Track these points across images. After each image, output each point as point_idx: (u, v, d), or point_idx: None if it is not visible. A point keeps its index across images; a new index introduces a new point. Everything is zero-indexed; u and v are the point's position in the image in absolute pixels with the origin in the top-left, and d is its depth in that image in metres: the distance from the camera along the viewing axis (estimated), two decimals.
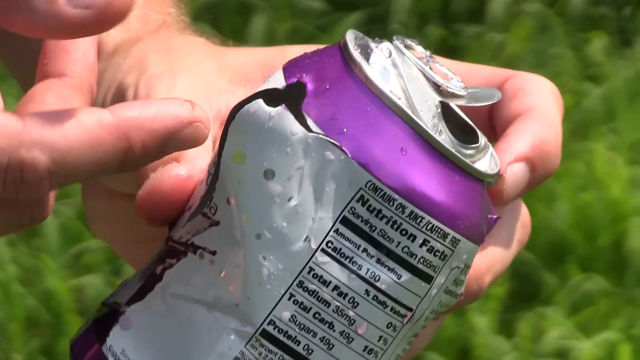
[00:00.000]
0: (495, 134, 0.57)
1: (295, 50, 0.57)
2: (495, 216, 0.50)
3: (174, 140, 0.46)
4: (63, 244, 2.90)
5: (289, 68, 0.49)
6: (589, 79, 3.50)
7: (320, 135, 0.46)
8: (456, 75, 0.51)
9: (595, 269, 3.01)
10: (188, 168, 0.52)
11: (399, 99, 0.46)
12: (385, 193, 0.45)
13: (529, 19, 3.55)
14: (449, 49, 3.33)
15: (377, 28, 3.45)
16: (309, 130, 0.45)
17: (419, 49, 0.50)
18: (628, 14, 3.67)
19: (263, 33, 3.39)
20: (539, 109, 0.56)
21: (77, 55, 0.51)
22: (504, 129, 0.56)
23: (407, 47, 0.49)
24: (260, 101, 0.46)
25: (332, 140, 0.45)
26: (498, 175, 0.50)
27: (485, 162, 0.49)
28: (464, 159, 0.47)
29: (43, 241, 2.90)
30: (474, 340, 2.85)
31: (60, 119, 0.44)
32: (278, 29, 3.46)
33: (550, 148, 0.55)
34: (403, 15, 3.53)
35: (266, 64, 0.60)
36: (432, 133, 0.46)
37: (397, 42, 0.49)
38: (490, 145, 0.51)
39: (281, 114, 0.46)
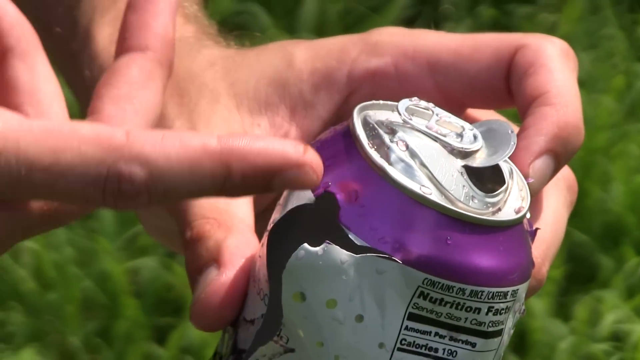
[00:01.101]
0: (513, 105, 0.59)
1: (302, 55, 0.61)
2: (535, 227, 0.52)
3: (279, 180, 0.46)
4: (119, 227, 2.92)
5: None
6: None
7: (369, 254, 0.48)
8: (465, 123, 0.52)
9: None
10: (230, 275, 0.53)
11: (430, 193, 0.48)
12: (442, 284, 0.48)
13: (579, 0, 3.50)
14: (500, 30, 3.32)
15: (428, 9, 3.46)
16: (356, 251, 0.48)
17: (422, 104, 0.52)
18: None
19: (315, 14, 3.42)
20: (552, 90, 0.56)
21: (158, 31, 0.52)
22: (522, 112, 0.57)
23: (411, 111, 0.51)
24: (305, 245, 0.48)
25: (380, 255, 0.47)
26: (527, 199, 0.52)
27: (515, 195, 0.51)
28: (501, 219, 0.50)
29: (99, 223, 2.94)
30: (531, 324, 2.83)
31: (164, 137, 0.46)
32: (330, 10, 3.46)
33: (570, 130, 0.56)
34: None
35: (278, 82, 0.62)
36: (468, 213, 0.48)
37: (403, 113, 0.50)
38: (514, 169, 0.52)
39: (327, 250, 0.48)
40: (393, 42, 0.62)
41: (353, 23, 3.50)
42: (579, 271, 2.94)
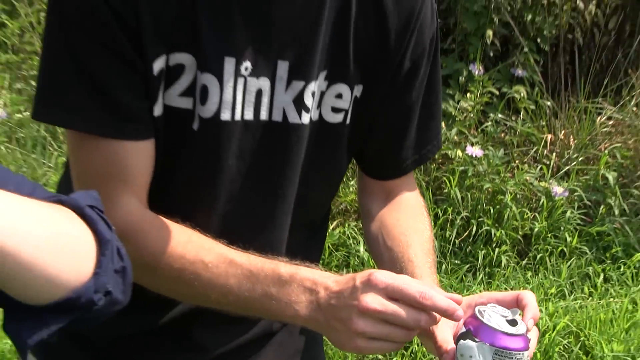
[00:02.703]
0: (521, 309, 1.21)
1: (465, 298, 1.29)
2: (529, 339, 1.13)
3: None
4: None
5: (465, 323, 1.16)
6: None
7: (478, 342, 1.10)
8: (506, 309, 1.18)
9: None
10: (446, 353, 1.21)
11: (498, 326, 1.12)
12: (503, 351, 1.11)
13: None
14: None
15: None
16: (475, 341, 1.10)
17: (494, 304, 1.20)
18: None
19: None
20: (528, 305, 1.22)
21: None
22: (522, 309, 1.21)
23: (492, 306, 1.19)
24: (461, 340, 1.15)
25: (482, 342, 1.10)
26: (527, 329, 1.14)
27: (523, 326, 1.14)
28: (517, 332, 1.11)
29: None
30: None
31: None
32: None
33: (536, 314, 1.20)
34: None
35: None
36: (507, 330, 1.11)
37: (492, 308, 1.17)
38: (522, 321, 1.16)
39: (467, 341, 1.13)
40: (487, 294, 1.25)
41: None
42: None
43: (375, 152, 1.55)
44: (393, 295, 1.15)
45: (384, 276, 1.16)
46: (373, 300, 1.15)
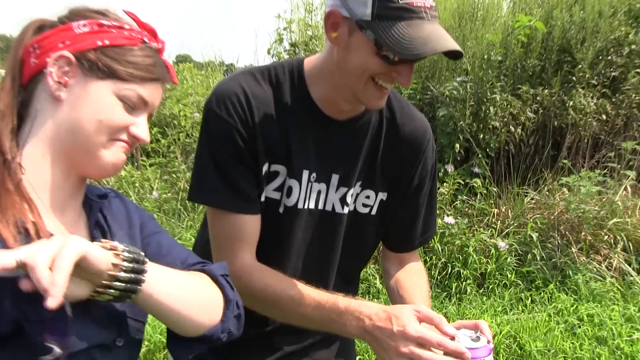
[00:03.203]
0: (479, 330, 1.16)
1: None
2: (491, 347, 1.10)
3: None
4: None
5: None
6: None
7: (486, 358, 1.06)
8: (472, 331, 1.11)
9: None
10: None
11: (468, 344, 1.08)
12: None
13: None
14: None
15: None
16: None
17: (465, 331, 1.09)
18: None
19: None
20: (485, 329, 1.17)
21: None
22: (481, 331, 1.14)
23: (462, 331, 1.08)
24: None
25: (476, 357, 1.04)
26: (487, 340, 1.06)
27: (484, 339, 1.12)
28: (480, 345, 1.09)
29: None
30: None
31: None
32: None
33: (490, 334, 1.13)
34: None
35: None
36: (474, 345, 1.08)
37: (462, 331, 1.07)
38: (484, 336, 1.11)
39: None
40: (458, 322, 1.09)
41: None
42: None
43: (394, 236, 1.58)
44: (421, 342, 1.13)
45: (414, 330, 1.13)
46: (405, 347, 1.12)
